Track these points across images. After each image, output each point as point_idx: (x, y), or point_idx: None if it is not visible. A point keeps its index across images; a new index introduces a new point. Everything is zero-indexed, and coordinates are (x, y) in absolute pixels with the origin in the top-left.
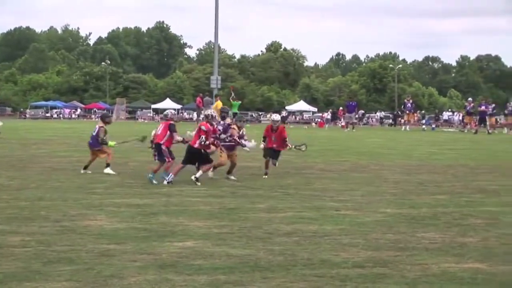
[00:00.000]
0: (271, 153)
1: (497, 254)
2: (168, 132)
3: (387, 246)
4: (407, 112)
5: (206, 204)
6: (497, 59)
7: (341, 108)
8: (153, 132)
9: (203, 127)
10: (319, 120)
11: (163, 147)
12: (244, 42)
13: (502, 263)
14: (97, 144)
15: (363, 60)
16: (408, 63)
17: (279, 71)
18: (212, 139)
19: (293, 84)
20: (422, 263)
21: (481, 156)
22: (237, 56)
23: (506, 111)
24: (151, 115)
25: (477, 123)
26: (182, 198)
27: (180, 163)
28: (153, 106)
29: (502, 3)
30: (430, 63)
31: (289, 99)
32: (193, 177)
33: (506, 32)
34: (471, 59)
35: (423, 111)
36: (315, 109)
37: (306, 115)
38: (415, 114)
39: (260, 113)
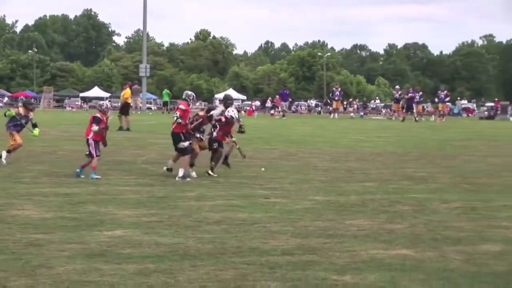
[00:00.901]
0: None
1: (424, 240)
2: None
3: (316, 234)
4: (336, 99)
5: (135, 192)
6: (424, 47)
7: (277, 96)
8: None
9: (181, 106)
10: (248, 108)
11: (91, 140)
12: (173, 30)
13: (429, 249)
14: (13, 127)
15: (292, 48)
16: (336, 51)
17: (208, 59)
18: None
19: (222, 72)
20: (350, 250)
21: (408, 144)
22: (166, 44)
23: (437, 99)
24: (79, 103)
25: (404, 111)
26: (111, 187)
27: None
28: (81, 94)
29: None
30: (358, 51)
31: (218, 87)
32: (177, 178)
33: (433, 20)
34: (398, 47)
35: (351, 99)
36: (244, 97)
37: (235, 103)
38: (355, 102)
39: None
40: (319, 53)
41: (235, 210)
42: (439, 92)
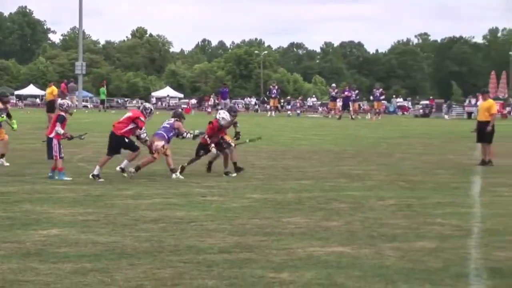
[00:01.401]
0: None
1: (360, 238)
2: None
3: (253, 231)
4: (273, 97)
5: (71, 191)
6: (360, 45)
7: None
8: None
9: (142, 118)
10: (185, 106)
11: (55, 141)
12: (109, 28)
13: (365, 246)
14: None
15: (229, 46)
16: (273, 49)
17: (144, 57)
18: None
19: (159, 70)
20: (287, 248)
21: (344, 142)
22: (102, 42)
23: (372, 97)
24: (14, 101)
25: (341, 109)
26: (47, 186)
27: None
28: (16, 92)
29: None
30: (295, 49)
31: (155, 85)
32: (118, 168)
33: (369, 19)
34: (335, 45)
35: (288, 97)
36: (182, 95)
37: (172, 101)
38: (298, 100)
39: (126, 99)
40: (256, 51)
41: (173, 208)
42: (374, 90)
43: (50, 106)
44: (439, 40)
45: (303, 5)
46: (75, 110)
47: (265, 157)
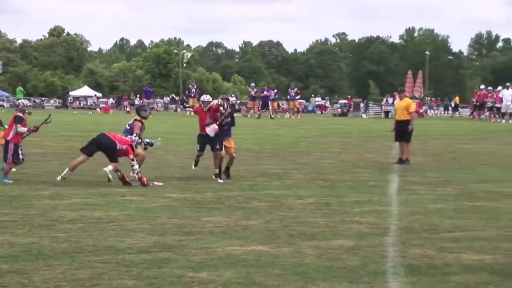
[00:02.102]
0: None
1: (280, 236)
2: (14, 126)
3: (173, 231)
4: (192, 97)
5: None
6: (278, 45)
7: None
8: None
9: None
10: (103, 105)
11: (11, 145)
12: (26, 27)
13: (284, 244)
14: None
15: (147, 46)
16: (192, 48)
17: (62, 56)
18: None
19: (77, 69)
20: (207, 247)
21: (264, 141)
22: (19, 41)
23: (288, 96)
24: None
25: (260, 108)
26: None
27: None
28: None
29: None
30: (214, 48)
31: (73, 84)
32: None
33: (287, 19)
34: (253, 45)
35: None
36: (100, 94)
37: (91, 101)
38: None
39: (43, 98)
40: (175, 51)
41: (91, 208)
42: (289, 90)
43: None
44: (356, 40)
45: (222, 4)
46: None
47: (185, 156)
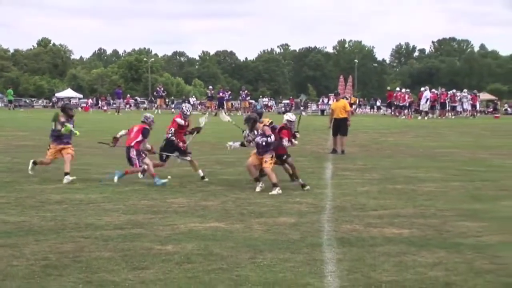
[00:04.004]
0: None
1: (233, 215)
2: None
3: (143, 211)
4: (160, 97)
5: None
6: (232, 54)
7: (128, 95)
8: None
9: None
10: (84, 105)
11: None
12: (17, 38)
13: (237, 222)
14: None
15: (121, 54)
16: (159, 57)
17: (49, 63)
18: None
19: (62, 74)
20: (172, 224)
21: (220, 134)
22: (11, 50)
23: (240, 97)
24: None
25: (216, 107)
26: None
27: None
28: None
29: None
30: (178, 57)
31: (59, 87)
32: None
33: (239, 31)
34: (211, 53)
35: (172, 97)
36: (81, 96)
37: (73, 101)
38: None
39: (33, 99)
40: (145, 59)
41: (74, 192)
42: (241, 92)
43: None
44: (297, 50)
45: (184, 19)
46: None
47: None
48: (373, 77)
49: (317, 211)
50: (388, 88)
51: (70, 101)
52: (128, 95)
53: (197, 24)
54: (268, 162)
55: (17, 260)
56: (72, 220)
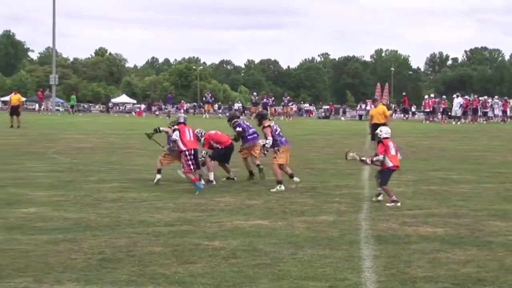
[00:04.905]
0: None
1: (276, 213)
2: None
3: (192, 209)
4: (207, 103)
5: (47, 177)
6: (275, 62)
7: (182, 101)
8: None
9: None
10: (138, 110)
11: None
12: (77, 48)
13: (279, 219)
14: None
15: (172, 63)
16: (208, 65)
17: (105, 71)
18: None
19: (117, 81)
20: (219, 221)
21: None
22: (71, 59)
23: (283, 103)
24: (0, 105)
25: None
26: (27, 173)
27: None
28: (2, 98)
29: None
30: (225, 65)
31: (114, 93)
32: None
33: (282, 42)
34: (256, 62)
35: (219, 102)
36: (135, 101)
37: (128, 106)
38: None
39: (91, 104)
40: (194, 67)
41: (128, 191)
42: (283, 98)
43: (15, 110)
44: (337, 59)
45: (231, 30)
46: (49, 113)
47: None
48: (408, 84)
49: (355, 210)
50: (426, 96)
51: (125, 107)
52: (182, 101)
53: (242, 34)
54: (276, 159)
55: (76, 254)
56: (126, 217)
